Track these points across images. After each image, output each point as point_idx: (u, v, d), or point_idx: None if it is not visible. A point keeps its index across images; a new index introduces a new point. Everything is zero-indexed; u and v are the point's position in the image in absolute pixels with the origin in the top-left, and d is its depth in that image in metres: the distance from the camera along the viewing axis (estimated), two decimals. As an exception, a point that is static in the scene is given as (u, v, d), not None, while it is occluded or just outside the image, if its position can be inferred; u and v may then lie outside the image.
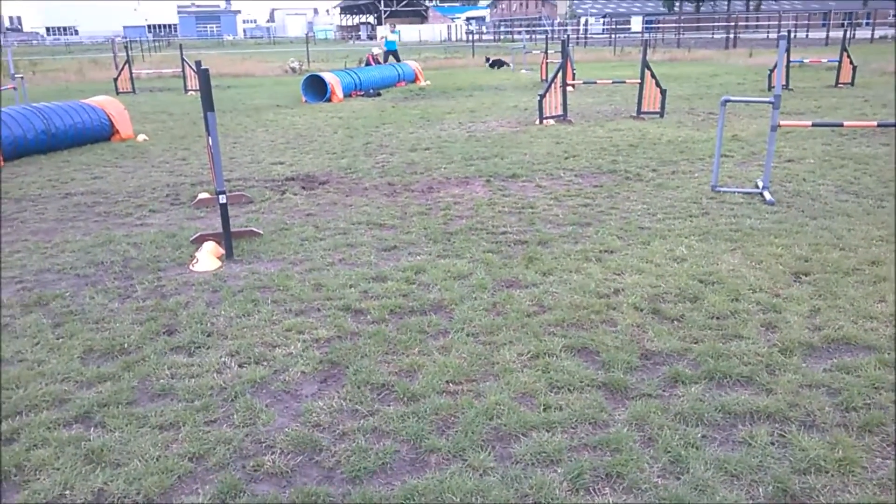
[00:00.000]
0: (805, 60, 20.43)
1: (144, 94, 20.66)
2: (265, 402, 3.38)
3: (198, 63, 5.65)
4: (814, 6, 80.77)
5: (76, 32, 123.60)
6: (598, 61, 31.46)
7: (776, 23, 48.75)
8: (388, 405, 3.31)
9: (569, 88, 13.21)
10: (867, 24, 60.99)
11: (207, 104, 5.25)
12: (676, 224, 6.08)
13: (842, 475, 2.71)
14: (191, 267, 5.30)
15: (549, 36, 30.08)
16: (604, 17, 76.09)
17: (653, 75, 12.57)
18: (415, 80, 22.41)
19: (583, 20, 69.41)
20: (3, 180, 8.65)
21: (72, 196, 7.82)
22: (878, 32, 44.41)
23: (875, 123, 7.11)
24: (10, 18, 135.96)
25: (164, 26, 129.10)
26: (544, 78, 20.24)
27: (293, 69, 29.23)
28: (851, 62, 17.14)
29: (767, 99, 6.78)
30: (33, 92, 18.93)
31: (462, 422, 3.13)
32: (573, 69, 17.14)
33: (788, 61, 17.12)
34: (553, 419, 3.13)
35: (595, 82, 15.84)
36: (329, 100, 17.14)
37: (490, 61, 28.89)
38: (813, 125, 7.15)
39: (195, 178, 8.64)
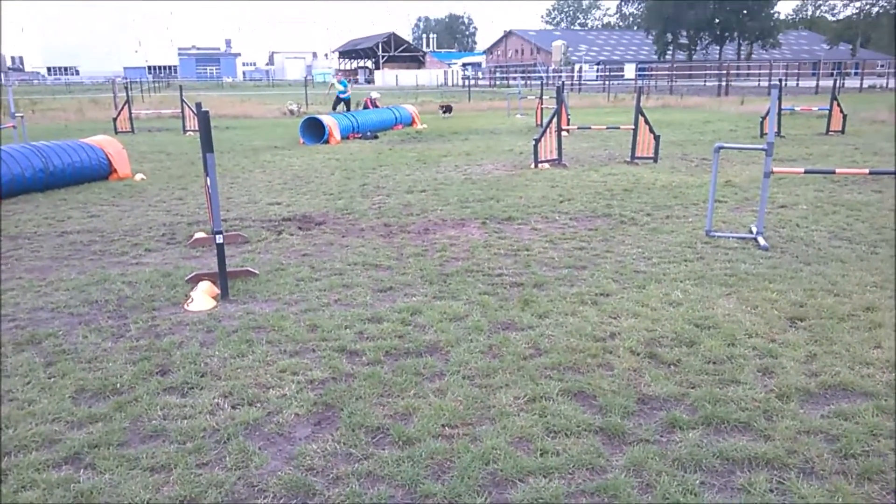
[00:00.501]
0: (796, 108, 20.79)
1: (143, 134, 20.81)
2: (258, 444, 3.33)
3: (198, 105, 5.71)
4: (804, 56, 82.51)
5: (77, 72, 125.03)
6: (592, 107, 31.92)
7: (767, 71, 49.69)
8: (383, 449, 3.27)
9: (564, 133, 13.39)
10: (856, 73, 62.27)
11: (207, 145, 5.29)
12: (671, 268, 6.11)
13: (842, 524, 2.68)
14: (185, 306, 5.28)
15: (544, 82, 30.51)
16: (597, 64, 77.59)
17: (646, 121, 12.75)
18: (412, 123, 22.67)
19: (577, 67, 70.64)
20: (1, 218, 8.65)
21: (68, 234, 7.82)
22: (867, 82, 45.32)
23: (867, 171, 7.20)
24: (12, 58, 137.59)
25: (165, 68, 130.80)
26: (539, 123, 20.51)
27: (291, 111, 29.52)
28: (842, 110, 17.44)
29: (760, 146, 6.88)
30: (33, 130, 19.05)
31: (458, 466, 3.09)
32: (568, 114, 17.40)
33: (780, 109, 17.40)
34: (550, 464, 3.09)
35: (589, 127, 16.04)
36: (327, 142, 17.29)
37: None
38: (806, 172, 7.23)
39: (192, 218, 8.66)
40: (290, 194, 10.24)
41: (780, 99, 15.03)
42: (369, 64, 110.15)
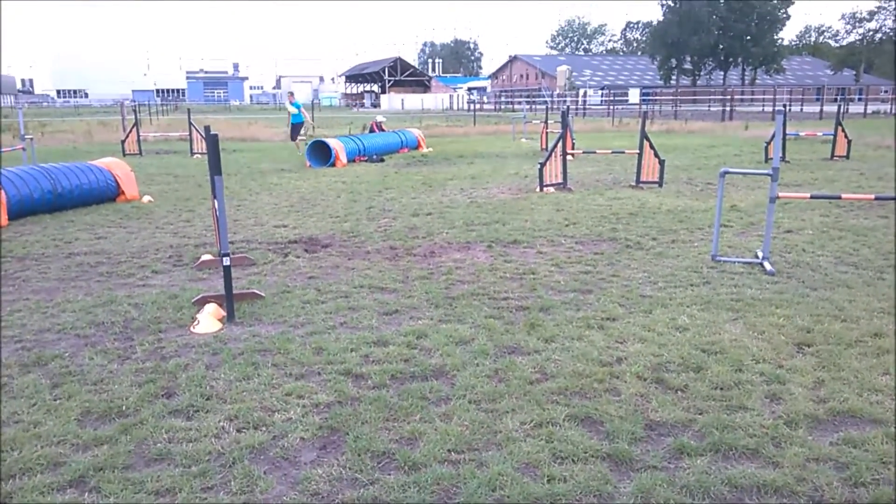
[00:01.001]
0: (800, 133, 20.84)
1: (151, 157, 20.97)
2: (263, 468, 3.32)
3: (206, 128, 5.76)
4: (808, 81, 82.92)
5: (86, 95, 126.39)
6: (596, 131, 32.05)
7: (771, 96, 49.94)
8: (389, 474, 3.25)
9: (569, 157, 13.44)
10: (860, 99, 62.51)
11: (215, 168, 5.32)
12: (677, 293, 6.10)
13: (853, 554, 2.65)
14: (192, 329, 5.29)
15: (549, 106, 30.72)
16: (602, 88, 78.02)
17: (651, 146, 12.80)
18: (417, 146, 22.81)
19: (581, 91, 71.11)
20: (9, 239, 8.70)
21: (75, 256, 7.86)
22: (871, 107, 45.45)
23: (873, 196, 7.21)
24: (23, 81, 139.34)
25: (173, 91, 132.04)
26: (544, 147, 20.60)
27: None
28: (846, 136, 17.48)
29: (766, 171, 6.90)
30: (42, 152, 19.22)
31: (464, 493, 3.07)
32: (573, 138, 17.48)
33: (784, 134, 17.46)
34: (557, 491, 3.07)
35: (594, 152, 16.11)
36: (333, 165, 17.39)
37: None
38: (811, 197, 7.26)
39: (198, 240, 8.69)
40: (296, 217, 10.29)
41: (784, 124, 15.09)
42: (375, 88, 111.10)
